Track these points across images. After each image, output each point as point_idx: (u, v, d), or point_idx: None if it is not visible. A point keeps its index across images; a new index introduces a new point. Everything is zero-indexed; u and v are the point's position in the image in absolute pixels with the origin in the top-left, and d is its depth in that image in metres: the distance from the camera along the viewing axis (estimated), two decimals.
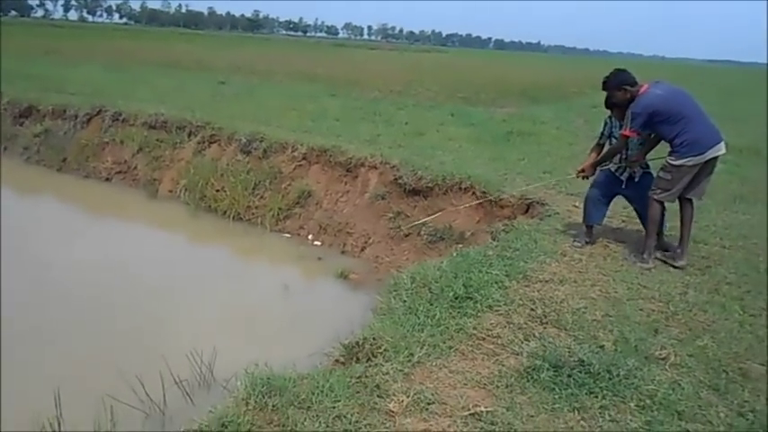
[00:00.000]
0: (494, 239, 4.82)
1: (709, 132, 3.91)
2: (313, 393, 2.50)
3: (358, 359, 2.90)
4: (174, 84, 13.01)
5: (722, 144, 3.93)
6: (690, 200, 4.13)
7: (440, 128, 9.46)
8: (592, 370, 2.69)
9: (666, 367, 2.84)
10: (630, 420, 2.44)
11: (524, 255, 4.17)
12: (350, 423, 2.34)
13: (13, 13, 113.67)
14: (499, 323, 3.22)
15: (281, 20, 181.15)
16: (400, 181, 6.47)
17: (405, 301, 3.51)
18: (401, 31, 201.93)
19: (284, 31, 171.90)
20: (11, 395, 3.43)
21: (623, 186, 4.41)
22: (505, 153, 7.81)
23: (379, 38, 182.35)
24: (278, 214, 7.04)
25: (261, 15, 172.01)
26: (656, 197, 4.05)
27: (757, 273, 4.10)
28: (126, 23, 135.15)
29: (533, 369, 2.74)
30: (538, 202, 5.56)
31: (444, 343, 2.99)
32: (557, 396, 2.58)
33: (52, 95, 10.50)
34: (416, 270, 3.94)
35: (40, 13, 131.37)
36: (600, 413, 2.48)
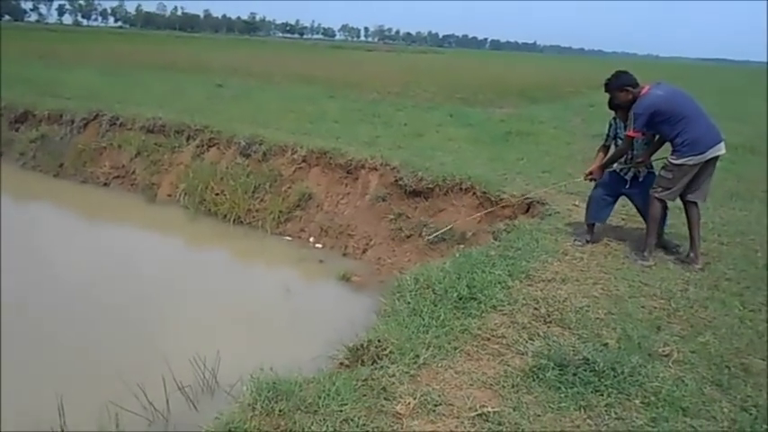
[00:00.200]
0: (495, 239, 4.85)
1: (709, 132, 3.95)
2: (319, 397, 2.50)
3: (363, 362, 2.90)
4: (170, 87, 12.96)
5: (722, 144, 3.99)
6: (695, 202, 4.16)
7: (439, 129, 9.48)
8: (596, 368, 2.70)
9: (670, 364, 2.87)
10: (636, 417, 2.46)
11: (526, 254, 4.19)
12: (357, 426, 2.35)
13: (7, 17, 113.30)
14: (503, 323, 3.24)
15: (277, 22, 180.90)
16: (401, 182, 6.47)
17: (409, 302, 3.52)
18: (398, 32, 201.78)
19: (281, 34, 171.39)
20: (13, 402, 3.42)
21: (627, 186, 4.44)
22: (504, 153, 7.83)
23: (376, 39, 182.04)
24: (278, 217, 7.03)
25: (257, 18, 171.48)
26: (657, 195, 4.09)
27: (756, 268, 4.13)
28: (121, 27, 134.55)
29: (539, 368, 2.76)
30: (538, 202, 5.58)
31: (449, 344, 3.00)
32: (563, 395, 2.59)
33: (48, 100, 10.45)
34: (420, 271, 3.96)
35: (34, 17, 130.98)
36: (606, 411, 2.50)
